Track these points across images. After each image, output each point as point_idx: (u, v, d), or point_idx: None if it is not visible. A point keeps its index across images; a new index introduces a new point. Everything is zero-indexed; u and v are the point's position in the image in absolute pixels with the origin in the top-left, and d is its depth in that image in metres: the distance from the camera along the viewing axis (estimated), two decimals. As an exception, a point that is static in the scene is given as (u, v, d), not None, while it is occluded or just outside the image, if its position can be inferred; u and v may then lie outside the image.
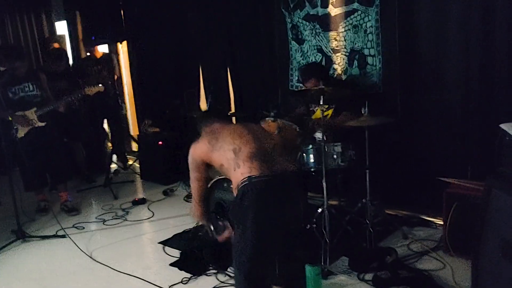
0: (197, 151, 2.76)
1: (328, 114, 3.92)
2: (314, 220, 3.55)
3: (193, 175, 2.86)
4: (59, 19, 6.93)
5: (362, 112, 3.47)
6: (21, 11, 6.21)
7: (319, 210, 3.51)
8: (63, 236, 4.20)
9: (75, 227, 4.45)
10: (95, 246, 3.99)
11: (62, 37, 7.02)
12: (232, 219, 2.70)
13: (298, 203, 2.67)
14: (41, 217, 4.80)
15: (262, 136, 2.67)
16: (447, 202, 3.15)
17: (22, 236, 4.20)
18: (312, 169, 3.63)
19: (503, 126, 2.47)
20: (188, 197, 4.97)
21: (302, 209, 2.75)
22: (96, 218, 4.70)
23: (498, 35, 3.40)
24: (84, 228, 4.44)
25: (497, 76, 3.45)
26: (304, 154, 3.61)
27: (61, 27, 7.08)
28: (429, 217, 3.86)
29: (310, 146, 3.60)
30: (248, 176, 2.39)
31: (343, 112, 3.78)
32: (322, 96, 3.35)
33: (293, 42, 4.77)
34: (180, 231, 4.08)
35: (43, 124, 4.58)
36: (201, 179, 2.85)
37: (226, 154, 2.54)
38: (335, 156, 3.56)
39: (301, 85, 4.67)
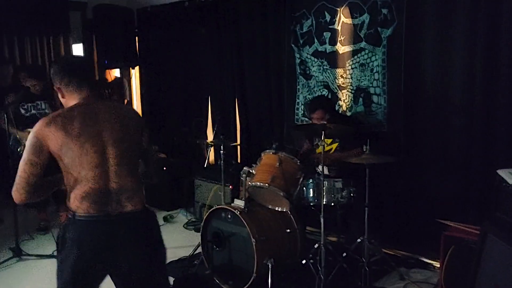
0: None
1: (331, 149, 3.94)
2: (310, 255, 3.53)
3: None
4: (76, 42, 7.10)
5: (364, 150, 3.48)
6: (41, 33, 6.37)
7: (316, 245, 3.48)
8: (59, 256, 4.18)
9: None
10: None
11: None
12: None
13: (144, 250, 2.13)
14: (40, 236, 4.81)
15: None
16: (444, 245, 3.11)
17: (18, 254, 4.21)
18: (311, 204, 3.64)
19: (500, 172, 2.47)
20: (187, 224, 4.97)
21: (158, 255, 2.24)
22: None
23: (502, 81, 3.44)
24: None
25: (499, 123, 3.48)
26: (304, 188, 3.62)
27: (77, 50, 7.24)
28: (427, 259, 3.81)
29: (311, 180, 3.61)
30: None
31: (355, 149, 3.77)
32: (324, 131, 3.37)
33: (300, 77, 4.83)
34: (176, 258, 4.05)
35: None
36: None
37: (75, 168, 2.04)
38: (335, 192, 3.57)
39: (306, 119, 4.73)
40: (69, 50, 6.84)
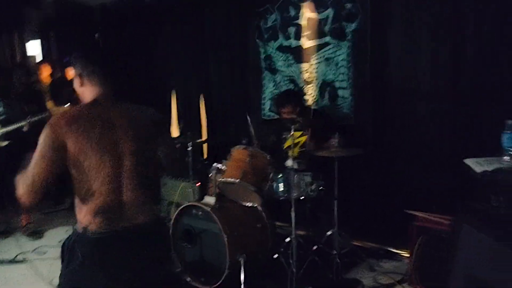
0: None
1: (300, 141, 3.95)
2: (282, 249, 3.53)
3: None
4: (32, 39, 6.84)
5: (333, 143, 3.50)
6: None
7: (287, 239, 3.49)
8: (22, 261, 4.04)
9: (36, 252, 4.28)
10: (57, 273, 3.83)
11: (31, 57, 6.92)
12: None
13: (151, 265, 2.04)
14: (1, 240, 4.62)
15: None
16: (413, 235, 3.17)
17: (-22, 259, 4.03)
18: (281, 198, 3.63)
19: (467, 161, 2.53)
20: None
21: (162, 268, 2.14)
22: (59, 242, 4.54)
23: (467, 70, 3.54)
24: (46, 253, 4.28)
25: (465, 112, 3.57)
26: (274, 183, 3.61)
27: (34, 47, 6.97)
28: (396, 249, 3.88)
29: (280, 175, 3.60)
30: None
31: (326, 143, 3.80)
32: (293, 125, 3.38)
33: (266, 71, 4.83)
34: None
35: (5, 143, 4.45)
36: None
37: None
38: (304, 186, 3.58)
39: (273, 114, 4.72)
40: (23, 47, 6.60)
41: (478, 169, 2.43)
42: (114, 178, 1.90)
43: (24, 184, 1.84)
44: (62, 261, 2.02)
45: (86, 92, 2.00)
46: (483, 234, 2.27)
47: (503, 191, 2.22)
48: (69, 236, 2.01)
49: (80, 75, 2.00)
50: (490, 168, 2.38)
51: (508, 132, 2.34)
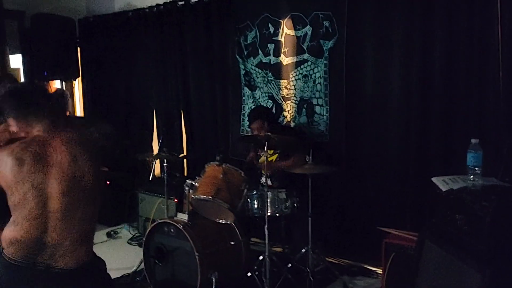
0: None
1: (272, 160, 3.95)
2: (255, 267, 3.51)
3: None
4: (14, 53, 6.81)
5: (307, 160, 3.51)
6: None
7: (261, 257, 3.46)
8: None
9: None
10: None
11: (16, 70, 6.90)
12: None
13: None
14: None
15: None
16: (385, 252, 3.17)
17: None
18: (255, 215, 3.62)
19: (434, 179, 2.54)
20: (131, 240, 4.83)
21: None
22: None
23: (436, 90, 3.59)
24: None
25: (433, 132, 3.63)
26: (248, 200, 3.60)
27: (15, 61, 6.95)
28: (370, 266, 3.87)
29: (255, 192, 3.60)
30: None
31: (294, 157, 3.81)
32: (266, 142, 3.38)
33: (245, 88, 4.84)
34: (119, 275, 3.91)
35: None
36: None
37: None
38: (279, 203, 3.58)
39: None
40: (5, 61, 6.57)
41: (443, 187, 2.44)
42: (38, 217, 1.86)
43: None
44: None
45: (31, 133, 1.97)
46: (444, 251, 2.27)
47: (465, 209, 2.22)
48: None
49: (18, 124, 1.97)
50: (455, 186, 2.39)
51: (472, 151, 2.35)
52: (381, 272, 3.44)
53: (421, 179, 3.54)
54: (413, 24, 3.68)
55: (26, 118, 1.94)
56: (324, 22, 4.18)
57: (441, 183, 2.48)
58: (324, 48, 4.21)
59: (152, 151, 5.48)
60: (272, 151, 3.96)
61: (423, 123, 3.66)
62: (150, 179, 4.56)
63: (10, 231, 1.89)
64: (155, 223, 3.55)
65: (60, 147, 1.91)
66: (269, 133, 3.48)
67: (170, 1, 5.15)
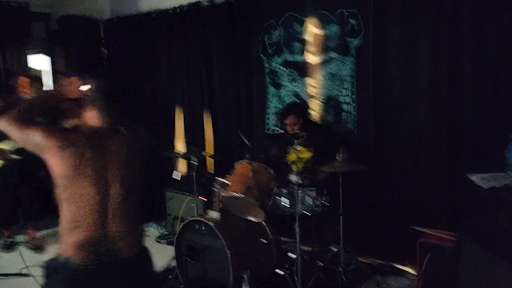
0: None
1: (304, 156, 3.93)
2: (286, 266, 3.50)
3: None
4: (41, 53, 6.91)
5: (337, 158, 3.49)
6: (1, 45, 6.18)
7: (292, 256, 3.46)
8: (26, 275, 4.02)
9: (40, 267, 4.25)
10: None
11: (38, 71, 6.98)
12: None
13: None
14: (6, 254, 4.62)
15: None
16: (420, 252, 3.13)
17: (-17, 272, 4.03)
18: (285, 213, 3.61)
19: (472, 177, 2.50)
20: (159, 238, 4.86)
21: None
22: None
23: (466, 87, 3.55)
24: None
25: (465, 129, 3.58)
26: (278, 198, 3.59)
27: (41, 61, 7.04)
28: (403, 266, 3.83)
29: (285, 190, 3.59)
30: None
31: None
32: (296, 140, 3.37)
33: (270, 86, 4.83)
34: (149, 273, 3.94)
35: (18, 157, 4.46)
36: None
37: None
38: (309, 201, 3.56)
39: (277, 129, 4.72)
40: (28, 61, 6.67)
41: (485, 185, 2.40)
42: (100, 209, 1.89)
43: None
44: (46, 279, 2.00)
45: (87, 115, 2.04)
46: (486, 251, 2.24)
47: (509, 208, 2.19)
48: (54, 257, 1.97)
49: (87, 99, 2.04)
50: (497, 184, 2.36)
51: (513, 148, 2.32)
52: (414, 273, 3.42)
53: (453, 177, 3.50)
54: (440, 20, 3.64)
55: (95, 101, 2.02)
56: (350, 19, 4.15)
57: (481, 180, 2.45)
58: (351, 46, 4.18)
59: (174, 149, 5.51)
60: (303, 148, 3.94)
61: (453, 119, 3.62)
62: (177, 178, 4.56)
63: (75, 236, 1.88)
64: (186, 221, 3.56)
65: (116, 137, 1.99)
66: (298, 131, 3.47)
67: (194, 1, 5.17)
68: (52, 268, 1.95)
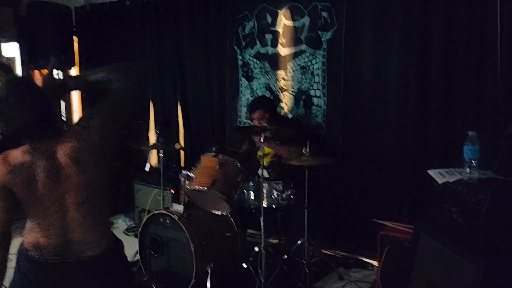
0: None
1: (270, 152, 3.94)
2: (251, 258, 3.51)
3: None
4: (9, 41, 6.76)
5: (304, 152, 3.49)
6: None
7: (256, 249, 3.46)
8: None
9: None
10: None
11: (11, 59, 6.85)
12: None
13: None
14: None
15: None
16: (381, 244, 3.17)
17: None
18: (252, 206, 3.61)
19: (431, 172, 2.53)
20: (127, 230, 4.83)
21: None
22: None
23: (434, 82, 3.58)
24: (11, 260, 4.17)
25: (431, 124, 3.62)
26: (244, 191, 3.59)
27: (10, 49, 6.90)
28: (365, 258, 3.88)
29: (251, 183, 3.58)
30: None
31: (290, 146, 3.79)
32: (264, 133, 3.36)
33: (243, 79, 4.81)
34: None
35: None
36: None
37: None
38: (275, 194, 3.57)
39: (249, 121, 4.71)
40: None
41: (440, 180, 2.43)
42: (60, 227, 1.84)
43: None
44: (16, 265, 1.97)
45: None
46: (440, 244, 2.27)
47: (461, 202, 2.22)
48: (20, 246, 1.95)
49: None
50: (451, 179, 2.38)
51: (468, 144, 2.34)
52: (376, 264, 3.45)
53: (418, 172, 3.54)
54: (411, 16, 3.66)
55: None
56: (323, 13, 4.15)
57: (438, 175, 2.48)
58: (323, 39, 4.18)
59: (149, 141, 5.46)
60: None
61: (420, 116, 3.65)
62: (147, 169, 4.53)
63: (33, 237, 1.86)
64: (150, 214, 3.54)
65: (65, 159, 1.82)
66: (266, 125, 3.46)
67: (168, -10, 5.11)
68: (19, 257, 1.94)
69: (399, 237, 3.06)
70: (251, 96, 4.73)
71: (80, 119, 1.93)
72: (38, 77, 1.91)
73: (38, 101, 1.78)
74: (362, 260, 3.89)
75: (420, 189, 3.44)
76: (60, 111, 1.66)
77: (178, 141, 5.39)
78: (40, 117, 1.78)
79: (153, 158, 5.33)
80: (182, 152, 5.35)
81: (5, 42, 6.44)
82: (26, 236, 1.90)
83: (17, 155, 1.81)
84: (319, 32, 4.18)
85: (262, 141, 3.39)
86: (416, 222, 2.59)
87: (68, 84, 2.02)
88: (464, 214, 2.21)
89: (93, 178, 1.86)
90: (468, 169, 2.34)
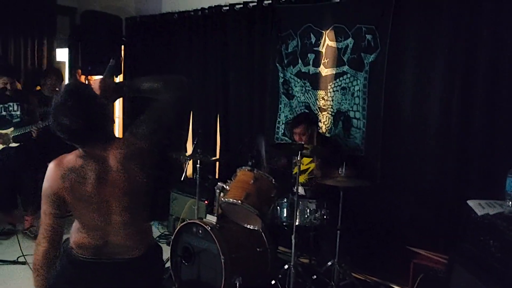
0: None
1: (309, 168, 3.94)
2: (280, 276, 3.50)
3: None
4: (61, 47, 7.06)
5: (339, 173, 3.48)
6: (26, 35, 6.33)
7: (286, 266, 3.45)
8: (23, 263, 4.09)
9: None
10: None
11: (61, 64, 7.14)
12: None
13: None
14: (4, 241, 4.71)
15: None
16: (414, 272, 3.12)
17: (-20, 257, 4.11)
18: (284, 223, 3.62)
19: (470, 203, 2.48)
20: (160, 238, 4.90)
21: None
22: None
23: (478, 113, 3.51)
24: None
25: (472, 154, 3.54)
26: (278, 207, 3.60)
27: (63, 54, 7.19)
28: (396, 285, 3.80)
29: (285, 200, 3.59)
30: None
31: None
32: (301, 151, 3.38)
33: (283, 96, 4.85)
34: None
35: (16, 145, 4.57)
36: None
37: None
38: (308, 213, 3.56)
39: (286, 138, 4.73)
40: (53, 54, 6.83)
41: (479, 211, 2.38)
42: (102, 228, 1.93)
43: (40, 237, 1.94)
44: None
45: None
46: (474, 277, 2.22)
47: (500, 236, 2.16)
48: (65, 240, 2.04)
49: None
50: (491, 211, 2.33)
51: (511, 176, 2.29)
52: (407, 292, 3.39)
53: (456, 201, 3.45)
54: (457, 43, 3.62)
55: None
56: (367, 35, 4.15)
57: (477, 207, 2.43)
58: (365, 61, 4.17)
59: (186, 151, 5.56)
60: (308, 159, 3.96)
61: (463, 144, 3.58)
62: (182, 179, 4.60)
63: (78, 237, 1.96)
64: (184, 223, 3.59)
65: (115, 164, 1.90)
66: (303, 143, 3.48)
67: (215, 5, 5.23)
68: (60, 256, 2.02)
69: (433, 267, 3.00)
70: (290, 114, 4.76)
71: (130, 126, 1.99)
72: (93, 82, 1.99)
73: (94, 107, 1.86)
74: (393, 287, 3.81)
75: (457, 219, 3.35)
76: (113, 116, 1.68)
77: (214, 153, 5.47)
78: (96, 123, 1.86)
79: (189, 168, 5.43)
80: (217, 164, 5.41)
81: (58, 47, 6.73)
82: (72, 235, 2.00)
83: (70, 159, 1.90)
84: (362, 54, 4.18)
85: (298, 160, 3.40)
86: (452, 252, 2.53)
87: (123, 89, 2.09)
88: (502, 249, 2.16)
89: (137, 184, 1.92)
90: (510, 202, 2.28)
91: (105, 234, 1.94)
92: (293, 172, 4.07)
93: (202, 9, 5.37)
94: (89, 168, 1.88)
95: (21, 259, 4.15)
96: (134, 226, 1.96)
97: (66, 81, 6.72)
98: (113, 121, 1.95)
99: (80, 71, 6.09)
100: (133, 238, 1.96)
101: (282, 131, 4.83)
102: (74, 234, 2.00)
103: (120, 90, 2.05)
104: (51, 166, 1.92)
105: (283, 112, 4.86)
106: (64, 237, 1.99)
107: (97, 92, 1.93)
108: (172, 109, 2.03)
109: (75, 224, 2.01)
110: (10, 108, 4.62)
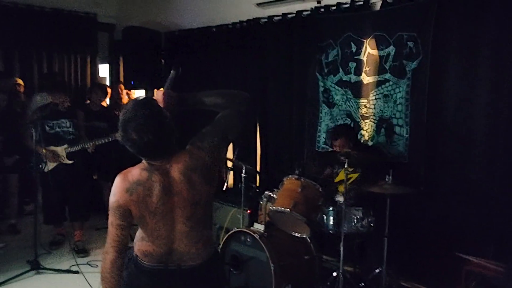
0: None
1: (352, 178, 3.94)
2: (328, 283, 3.51)
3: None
4: (103, 62, 7.28)
5: (386, 180, 3.48)
6: (69, 51, 6.57)
7: (334, 274, 3.46)
8: (76, 272, 4.23)
9: (89, 264, 4.47)
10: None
11: (103, 79, 7.36)
12: None
13: None
14: (55, 251, 4.86)
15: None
16: (465, 280, 3.08)
17: (36, 267, 4.26)
18: (330, 231, 3.63)
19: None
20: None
21: None
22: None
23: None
24: (98, 266, 4.45)
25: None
26: (324, 216, 3.62)
27: (103, 70, 7.42)
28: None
29: (331, 208, 3.61)
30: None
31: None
32: (347, 159, 3.40)
33: (323, 105, 4.87)
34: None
35: (70, 162, 4.70)
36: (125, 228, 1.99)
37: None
38: (355, 221, 3.57)
39: (327, 147, 4.75)
40: (95, 69, 7.07)
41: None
42: (167, 237, 1.99)
43: (107, 246, 1.98)
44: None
45: None
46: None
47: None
48: (129, 248, 2.10)
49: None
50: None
51: None
52: (457, 301, 3.33)
53: (506, 207, 3.41)
54: (502, 49, 3.57)
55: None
56: (408, 42, 4.14)
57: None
58: (407, 69, 4.17)
59: (227, 162, 5.62)
60: (352, 169, 3.96)
61: (509, 149, 3.52)
62: (223, 189, 4.67)
63: (143, 245, 2.03)
64: (232, 231, 3.65)
65: (178, 176, 1.95)
66: (349, 150, 3.49)
67: (253, 18, 5.32)
68: (127, 262, 2.09)
69: (486, 274, 2.96)
70: (331, 122, 4.78)
71: (193, 139, 2.04)
72: (156, 95, 2.05)
73: (163, 121, 1.91)
74: (442, 295, 3.77)
75: (506, 224, 3.30)
76: (177, 129, 1.72)
77: (254, 163, 5.52)
78: (164, 136, 1.91)
79: (230, 178, 5.49)
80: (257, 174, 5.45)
81: (100, 63, 6.96)
82: (137, 244, 2.07)
83: (135, 173, 1.97)
84: (404, 61, 4.18)
85: (345, 168, 3.42)
86: (510, 260, 2.49)
87: (187, 102, 2.13)
88: None
89: (200, 195, 1.97)
90: None
91: (169, 242, 2.00)
92: (335, 181, 4.09)
93: (241, 21, 5.47)
94: (154, 180, 1.94)
95: (74, 268, 4.28)
96: (197, 234, 2.02)
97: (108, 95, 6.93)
98: (177, 134, 1.98)
99: (122, 85, 6.27)
100: (196, 246, 2.02)
101: (324, 139, 4.85)
102: (139, 242, 2.07)
103: (184, 102, 2.09)
104: (117, 180, 1.97)
105: (323, 120, 4.89)
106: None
107: (161, 104, 1.99)
108: (238, 124, 2.09)
109: (139, 233, 2.08)
110: (63, 125, 4.73)
